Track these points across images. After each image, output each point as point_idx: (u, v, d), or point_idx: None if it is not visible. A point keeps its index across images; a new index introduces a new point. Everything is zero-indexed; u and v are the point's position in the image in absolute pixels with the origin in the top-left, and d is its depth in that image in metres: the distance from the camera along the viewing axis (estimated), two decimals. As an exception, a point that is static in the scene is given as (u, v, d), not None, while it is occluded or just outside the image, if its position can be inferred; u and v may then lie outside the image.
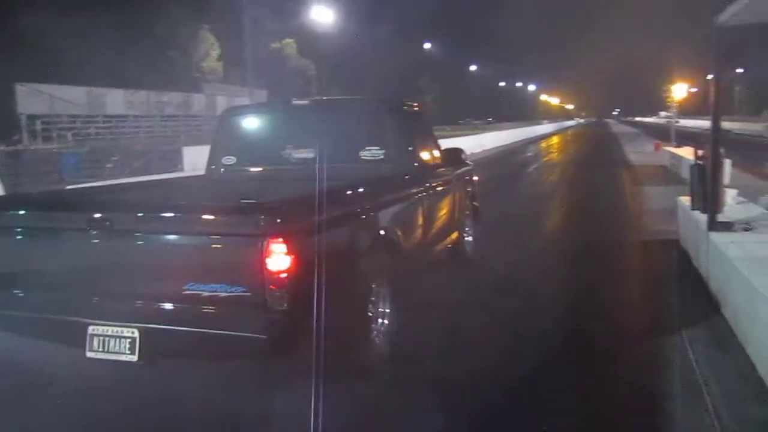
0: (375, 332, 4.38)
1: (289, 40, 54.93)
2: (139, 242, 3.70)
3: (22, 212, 4.09)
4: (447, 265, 6.65)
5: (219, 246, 3.49)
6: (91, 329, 3.61)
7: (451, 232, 6.63)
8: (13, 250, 3.97)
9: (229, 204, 3.56)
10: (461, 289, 6.24)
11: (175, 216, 3.69)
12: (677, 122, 31.59)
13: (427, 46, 69.30)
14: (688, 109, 58.89)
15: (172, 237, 3.64)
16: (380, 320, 4.47)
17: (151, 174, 20.00)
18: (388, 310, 4.54)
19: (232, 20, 37.27)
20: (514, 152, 33.81)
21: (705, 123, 53.38)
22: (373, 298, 4.35)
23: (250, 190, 3.84)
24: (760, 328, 4.04)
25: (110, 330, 3.59)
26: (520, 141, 46.45)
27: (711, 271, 5.80)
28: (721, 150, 6.29)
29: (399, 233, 4.80)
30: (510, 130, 49.90)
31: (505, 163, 24.74)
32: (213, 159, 6.00)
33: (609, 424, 3.61)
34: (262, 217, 3.29)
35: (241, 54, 35.02)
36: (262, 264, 3.25)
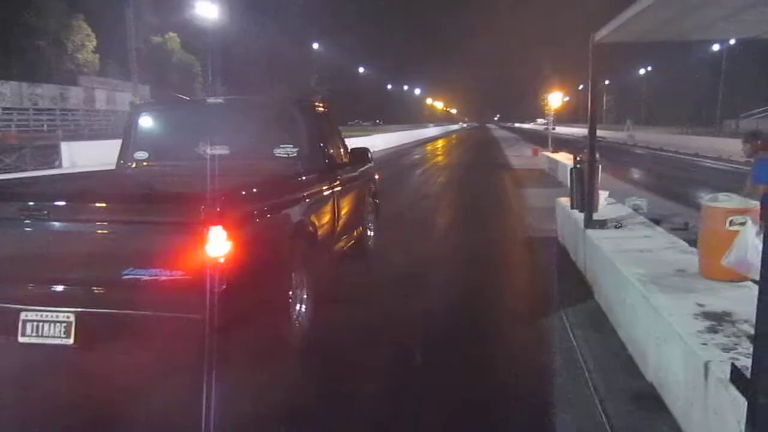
0: (295, 315, 4.68)
1: (172, 35, 53.02)
2: (77, 231, 3.79)
3: None
4: (352, 257, 6.98)
5: (159, 233, 3.66)
6: (23, 315, 3.66)
7: (357, 227, 7.01)
8: None
9: (171, 194, 3.78)
10: (366, 280, 6.69)
11: (115, 205, 3.83)
12: (553, 129, 33.61)
13: (315, 46, 69.18)
14: (563, 116, 62.86)
15: (110, 225, 3.76)
16: (298, 306, 4.76)
17: (26, 171, 18.82)
18: (305, 296, 4.83)
19: (110, 11, 35.41)
20: (404, 154, 34.74)
21: (577, 130, 57.24)
22: (294, 284, 4.63)
23: (169, 184, 4.00)
24: (627, 311, 4.62)
25: (44, 315, 3.65)
26: (409, 143, 47.75)
27: (587, 264, 6.45)
28: (597, 156, 7.00)
29: (314, 225, 5.12)
30: (398, 133, 50.98)
31: (396, 164, 25.37)
32: (124, 154, 5.97)
33: (500, 394, 4.04)
34: (203, 207, 3.49)
35: (121, 47, 33.42)
36: (203, 249, 3.47)
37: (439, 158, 32.69)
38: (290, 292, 4.57)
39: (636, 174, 22.34)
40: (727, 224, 4.28)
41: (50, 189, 4.81)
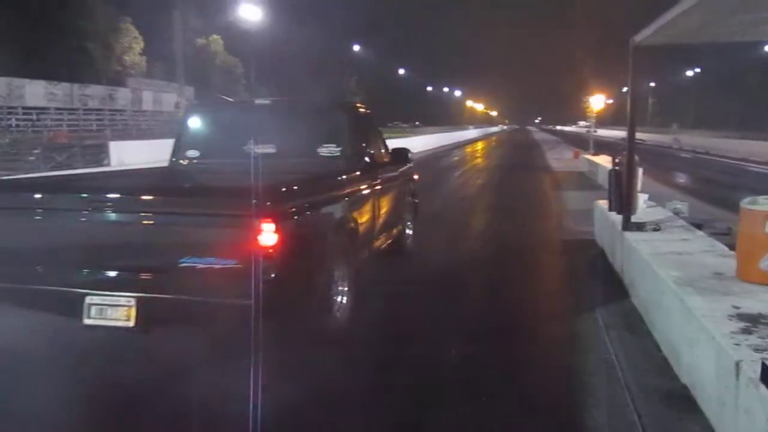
0: (336, 307, 4.88)
1: (215, 37, 54.05)
2: (138, 222, 4.08)
3: (32, 194, 4.37)
4: (390, 255, 7.12)
5: (213, 225, 3.90)
6: (88, 299, 3.96)
7: (396, 225, 7.16)
8: (21, 229, 4.25)
9: (225, 189, 4.07)
10: (405, 277, 6.80)
11: (173, 198, 4.17)
12: (595, 131, 33.21)
13: (356, 48, 69.65)
14: (605, 119, 61.90)
15: (168, 217, 4.01)
16: (339, 298, 4.95)
17: (77, 169, 19.47)
18: (346, 289, 5.02)
19: (156, 14, 36.35)
20: (443, 156, 34.72)
21: (620, 133, 56.32)
22: (335, 277, 4.84)
23: (221, 180, 4.29)
24: (663, 313, 4.63)
25: (108, 299, 3.95)
26: (447, 145, 47.66)
27: (624, 266, 6.44)
28: (636, 158, 6.98)
29: (355, 222, 5.32)
30: (437, 134, 50.90)
31: (435, 166, 25.41)
32: (176, 152, 6.26)
33: (535, 393, 4.09)
34: (255, 201, 3.73)
35: (166, 49, 34.24)
36: (254, 240, 3.71)
37: (478, 160, 32.60)
38: (332, 284, 4.77)
39: (679, 178, 21.96)
40: (766, 228, 4.26)
41: (114, 183, 5.19)
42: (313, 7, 59.20)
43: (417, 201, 8.29)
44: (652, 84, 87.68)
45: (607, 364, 4.41)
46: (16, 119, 27.79)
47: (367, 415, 3.76)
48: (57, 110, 30.63)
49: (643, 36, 6.18)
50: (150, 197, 4.17)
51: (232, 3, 37.82)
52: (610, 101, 39.41)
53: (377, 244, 6.33)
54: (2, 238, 4.19)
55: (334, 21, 64.02)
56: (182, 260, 3.87)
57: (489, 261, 8.00)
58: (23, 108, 28.42)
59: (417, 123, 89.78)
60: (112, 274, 4.04)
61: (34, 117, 28.85)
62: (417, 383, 4.18)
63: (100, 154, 22.09)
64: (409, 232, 7.89)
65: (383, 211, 6.38)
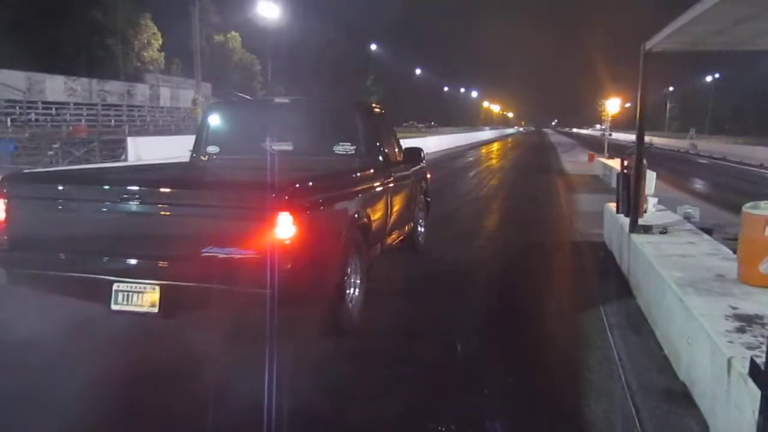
0: (349, 298, 5.06)
1: (234, 34, 54.42)
2: (163, 213, 4.31)
3: (62, 186, 4.61)
4: (402, 252, 7.33)
5: (234, 217, 4.10)
6: (116, 285, 4.20)
7: (408, 222, 7.36)
8: (55, 218, 4.48)
9: (245, 183, 4.28)
10: (415, 273, 6.99)
11: (196, 191, 4.39)
12: (611, 135, 33.17)
13: (372, 47, 69.81)
14: (622, 122, 61.60)
15: (191, 209, 4.23)
16: (352, 290, 5.13)
17: (95, 163, 19.79)
18: (358, 282, 5.21)
19: (174, 10, 36.67)
20: (457, 156, 34.83)
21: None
22: (349, 270, 5.03)
23: (240, 175, 4.50)
24: (665, 312, 4.76)
25: (134, 286, 4.19)
26: (463, 146, 47.73)
27: (630, 268, 6.56)
28: (644, 162, 7.09)
29: (368, 217, 5.51)
30: (453, 135, 51.00)
31: (449, 166, 25.53)
32: (197, 147, 6.50)
33: (540, 386, 4.24)
34: (273, 195, 3.97)
35: (184, 45, 34.53)
36: (272, 232, 3.91)
37: (493, 161, 32.63)
38: (345, 277, 4.95)
39: (694, 183, 21.93)
40: (766, 232, 4.37)
41: (141, 177, 5.41)
42: (331, 5, 59.46)
43: (429, 200, 8.49)
44: (671, 88, 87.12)
45: (610, 362, 4.55)
46: (36, 114, 28.18)
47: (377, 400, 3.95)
48: (76, 105, 31.03)
49: (653, 42, 6.29)
50: (175, 190, 4.39)
51: (250, 0, 38.11)
52: (627, 105, 39.23)
53: (389, 240, 6.51)
54: (37, 227, 4.44)
55: (352, 20, 64.32)
56: (204, 250, 4.06)
57: (497, 260, 8.15)
58: (43, 103, 28.82)
59: (433, 123, 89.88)
60: (139, 262, 4.25)
61: (54, 112, 29.23)
62: (423, 378, 4.35)
63: (117, 149, 22.41)
64: (421, 230, 8.10)
65: (396, 208, 6.57)
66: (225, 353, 4.36)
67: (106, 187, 4.47)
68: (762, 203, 4.60)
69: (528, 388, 4.20)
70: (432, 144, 37.31)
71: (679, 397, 3.89)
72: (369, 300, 5.34)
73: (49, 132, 25.34)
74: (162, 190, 4.41)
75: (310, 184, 4.60)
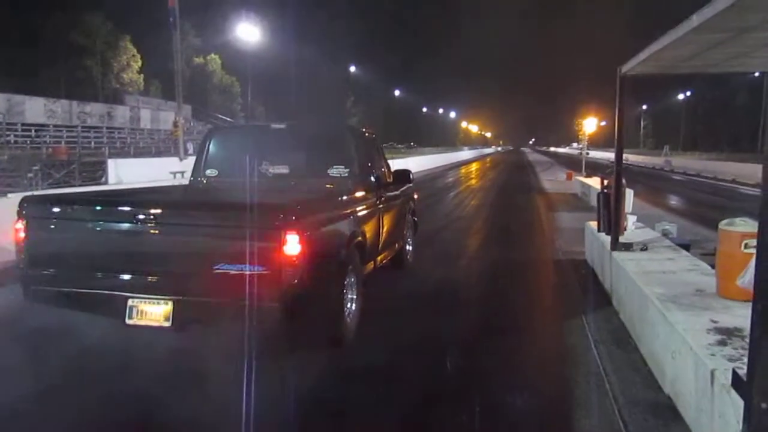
0: (347, 312, 5.25)
1: (213, 56, 54.60)
2: (174, 232, 4.49)
3: (79, 207, 4.79)
4: (391, 269, 7.53)
5: (245, 236, 4.26)
6: (130, 301, 4.40)
7: (398, 240, 7.61)
8: (75, 238, 4.66)
9: (254, 204, 4.43)
10: (403, 291, 7.16)
11: (207, 212, 4.62)
12: (588, 153, 33.67)
13: (352, 69, 70.35)
14: (599, 141, 62.71)
15: (202, 228, 4.44)
16: (349, 304, 5.33)
17: (74, 186, 19.61)
18: (355, 296, 5.42)
19: (154, 32, 36.67)
20: (438, 176, 35.09)
21: (613, 155, 56.79)
22: (347, 285, 5.26)
23: (245, 197, 4.96)
24: (648, 328, 4.90)
25: (147, 302, 4.39)
26: (443, 166, 48.12)
27: (613, 285, 6.71)
28: (623, 181, 7.28)
29: (363, 236, 5.77)
30: (432, 155, 51.34)
31: (430, 187, 25.73)
32: (197, 170, 6.68)
33: (530, 401, 4.34)
34: (282, 215, 4.24)
35: (164, 67, 34.48)
36: (280, 250, 4.16)
37: (472, 181, 32.93)
38: (344, 292, 5.17)
39: (669, 200, 22.34)
40: (743, 247, 4.55)
41: (154, 199, 5.59)
42: (310, 28, 59.96)
43: (416, 219, 8.74)
44: (644, 107, 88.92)
45: (596, 377, 4.67)
46: (15, 136, 27.97)
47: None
48: (56, 127, 30.87)
49: (629, 66, 6.50)
50: (189, 211, 4.67)
51: (230, 23, 38.30)
52: (603, 123, 39.95)
53: (381, 257, 6.74)
54: (54, 247, 4.66)
55: (332, 42, 64.81)
56: (215, 267, 4.27)
57: (482, 278, 8.32)
58: (22, 125, 28.64)
59: (412, 143, 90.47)
60: (152, 279, 4.45)
61: (33, 134, 29.04)
62: (410, 395, 4.44)
63: (98, 171, 22.25)
64: (409, 248, 8.35)
65: (387, 227, 6.82)
66: (234, 364, 4.42)
67: (121, 208, 4.66)
68: (737, 220, 4.79)
69: (517, 404, 4.30)
70: (412, 164, 37.38)
71: (665, 410, 4.01)
72: (361, 318, 5.50)
73: (28, 154, 25.09)
74: (177, 211, 4.66)
75: (315, 205, 4.92)
